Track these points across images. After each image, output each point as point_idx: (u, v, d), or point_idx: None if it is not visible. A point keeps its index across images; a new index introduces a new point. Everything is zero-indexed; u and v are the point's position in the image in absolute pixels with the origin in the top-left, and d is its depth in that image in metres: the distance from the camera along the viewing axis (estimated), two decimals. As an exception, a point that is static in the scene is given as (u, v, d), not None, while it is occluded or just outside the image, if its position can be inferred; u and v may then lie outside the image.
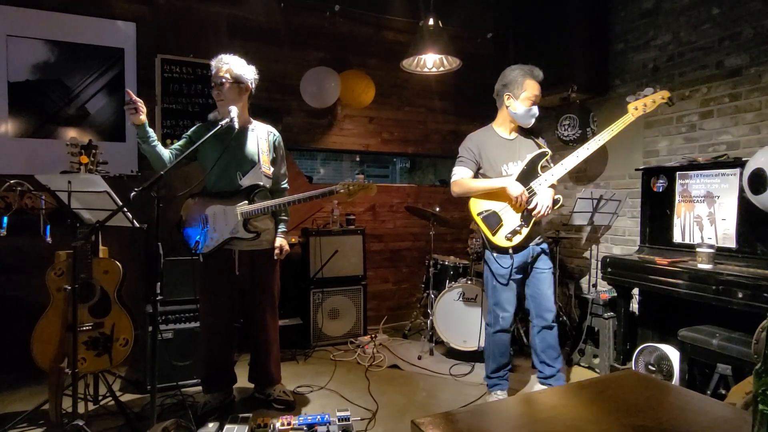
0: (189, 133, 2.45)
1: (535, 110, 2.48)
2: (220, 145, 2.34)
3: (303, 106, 3.93)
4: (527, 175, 2.45)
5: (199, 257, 2.38)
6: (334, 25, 4.04)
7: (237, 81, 2.36)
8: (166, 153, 2.33)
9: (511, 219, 2.46)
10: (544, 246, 2.57)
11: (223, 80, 2.33)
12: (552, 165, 2.48)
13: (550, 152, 2.51)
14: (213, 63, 2.40)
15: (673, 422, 0.99)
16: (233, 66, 2.36)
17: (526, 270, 2.57)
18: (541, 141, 2.62)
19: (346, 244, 3.76)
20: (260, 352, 2.58)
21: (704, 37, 3.15)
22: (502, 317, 2.53)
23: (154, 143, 2.27)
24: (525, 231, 2.42)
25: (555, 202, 2.44)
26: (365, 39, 4.21)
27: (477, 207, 2.52)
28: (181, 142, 2.42)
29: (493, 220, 2.47)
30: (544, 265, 2.54)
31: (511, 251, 2.45)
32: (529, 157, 2.48)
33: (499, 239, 2.45)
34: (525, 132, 2.62)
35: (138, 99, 2.17)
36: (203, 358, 2.54)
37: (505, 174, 2.49)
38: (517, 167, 2.48)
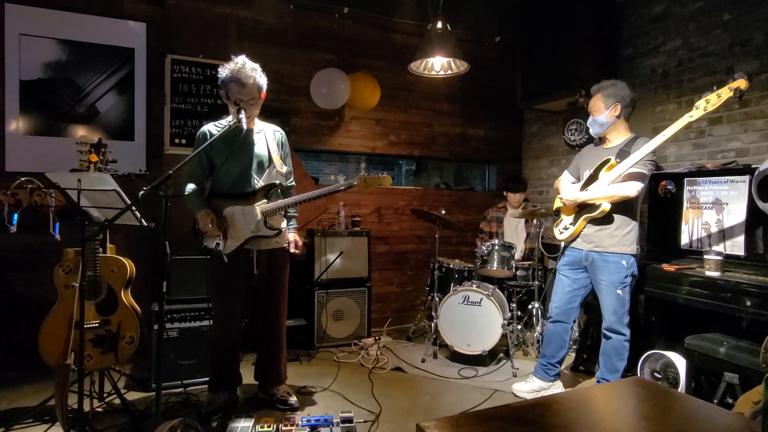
0: (198, 139, 2.42)
1: (588, 120, 2.69)
2: (230, 146, 2.35)
3: (310, 107, 3.95)
4: (591, 180, 2.63)
5: (223, 258, 2.38)
6: (343, 28, 4.05)
7: (260, 92, 2.38)
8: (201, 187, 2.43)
9: (566, 217, 2.76)
10: (608, 256, 2.55)
11: (257, 100, 2.34)
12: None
13: (613, 159, 2.52)
14: (237, 76, 2.26)
15: (681, 430, 0.98)
16: (258, 78, 2.33)
17: (585, 273, 2.71)
18: (635, 147, 2.50)
19: (351, 245, 3.76)
20: (272, 351, 2.59)
21: (714, 42, 3.13)
22: (549, 307, 2.85)
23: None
24: (572, 228, 2.67)
25: (593, 207, 2.54)
26: (373, 41, 4.22)
27: (555, 202, 2.87)
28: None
29: (557, 215, 2.86)
30: (603, 276, 2.58)
31: (563, 245, 2.80)
32: (597, 163, 2.61)
33: (556, 232, 2.81)
34: (630, 143, 2.58)
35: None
36: (213, 358, 2.55)
37: (584, 178, 2.71)
38: (589, 173, 2.67)
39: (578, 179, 2.77)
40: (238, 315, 2.49)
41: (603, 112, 2.57)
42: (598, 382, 2.70)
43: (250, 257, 2.44)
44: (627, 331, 2.58)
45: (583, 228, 2.63)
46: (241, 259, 2.42)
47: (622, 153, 2.51)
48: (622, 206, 2.51)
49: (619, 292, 2.53)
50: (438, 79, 4.26)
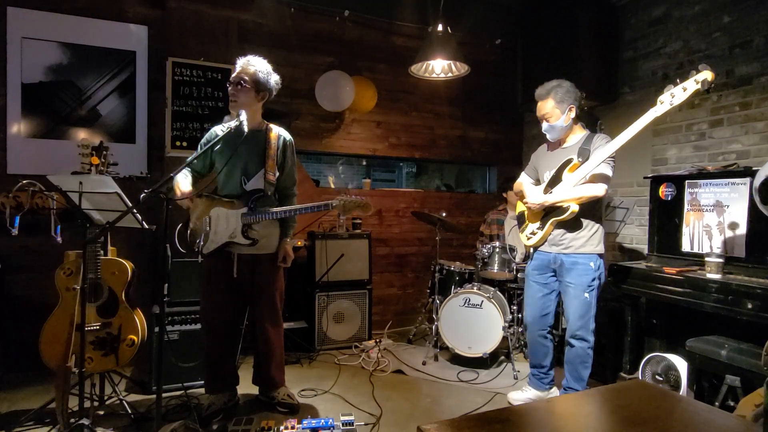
0: (204, 139, 2.46)
1: (544, 126, 2.57)
2: (229, 148, 2.35)
3: (312, 110, 3.96)
4: (554, 182, 2.55)
5: (199, 256, 2.38)
6: (343, 31, 4.07)
7: (255, 87, 2.36)
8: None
9: (532, 221, 2.68)
10: (577, 258, 2.50)
11: (242, 82, 2.34)
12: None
13: (575, 159, 2.45)
14: (239, 62, 2.39)
15: (682, 433, 0.98)
16: (258, 70, 2.36)
17: (554, 277, 2.63)
18: (594, 144, 2.46)
19: (352, 248, 3.76)
20: (265, 356, 2.58)
21: (715, 45, 3.13)
22: (524, 316, 2.80)
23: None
24: (540, 233, 2.59)
25: (561, 209, 2.47)
26: (374, 44, 4.23)
27: (518, 207, 2.84)
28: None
29: (521, 220, 2.78)
30: (572, 279, 2.51)
31: (531, 251, 2.73)
32: (557, 164, 2.54)
33: (523, 237, 2.74)
34: (588, 140, 2.52)
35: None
36: (205, 359, 2.55)
37: (544, 180, 2.63)
38: (550, 175, 2.59)
39: (537, 181, 2.69)
40: (222, 314, 2.47)
41: (560, 117, 2.47)
42: (565, 390, 2.61)
43: (231, 259, 2.43)
44: (592, 338, 2.51)
45: (552, 231, 2.56)
46: (222, 259, 2.42)
47: (583, 152, 2.45)
48: (588, 208, 2.47)
49: (586, 295, 2.47)
50: (439, 82, 4.27)
